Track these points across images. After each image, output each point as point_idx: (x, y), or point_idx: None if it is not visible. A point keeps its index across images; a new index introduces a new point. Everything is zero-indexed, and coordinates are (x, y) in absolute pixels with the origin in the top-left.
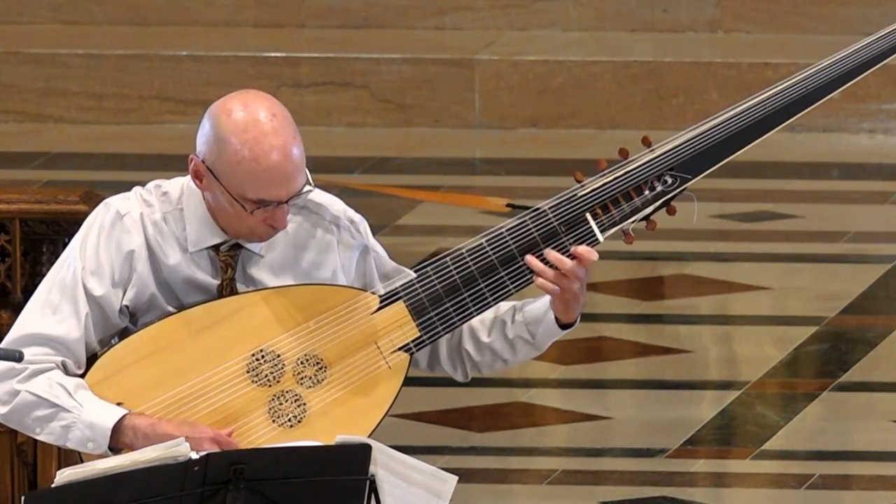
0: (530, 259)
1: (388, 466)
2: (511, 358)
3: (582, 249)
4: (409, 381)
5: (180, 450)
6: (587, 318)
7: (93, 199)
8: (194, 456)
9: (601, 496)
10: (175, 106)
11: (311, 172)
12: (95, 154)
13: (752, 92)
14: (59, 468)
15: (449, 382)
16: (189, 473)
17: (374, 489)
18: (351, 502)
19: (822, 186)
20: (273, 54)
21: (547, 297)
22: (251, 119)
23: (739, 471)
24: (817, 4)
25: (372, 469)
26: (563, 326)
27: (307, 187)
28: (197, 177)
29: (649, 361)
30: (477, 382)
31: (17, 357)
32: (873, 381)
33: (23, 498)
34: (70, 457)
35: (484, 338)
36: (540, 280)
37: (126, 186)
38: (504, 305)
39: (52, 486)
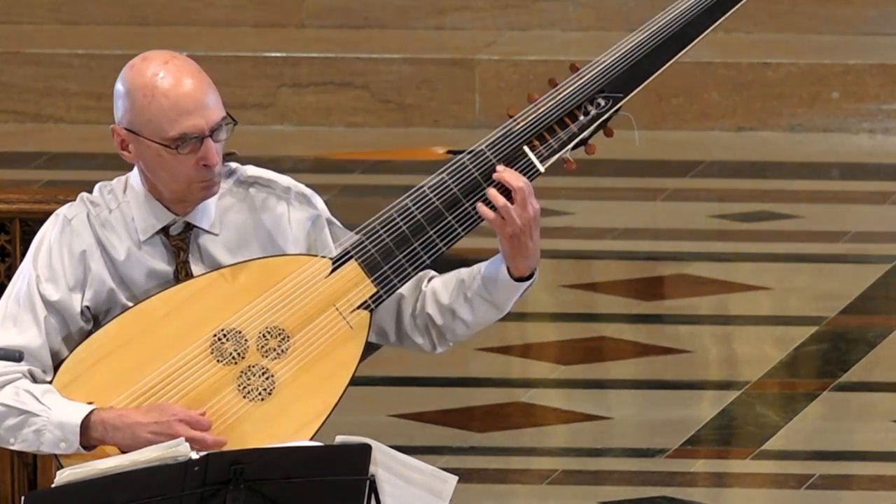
0: (480, 207)
1: (388, 466)
2: (471, 318)
3: (505, 174)
4: (409, 381)
5: (180, 450)
6: (587, 318)
7: None
8: (194, 456)
9: (601, 496)
10: None
11: (310, 172)
12: (95, 154)
13: (751, 92)
14: (59, 468)
15: (449, 382)
16: (189, 473)
17: (374, 489)
18: (351, 502)
19: (822, 186)
20: (273, 54)
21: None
22: (152, 63)
23: (739, 471)
24: (817, 4)
25: (372, 469)
26: (519, 281)
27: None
28: (123, 147)
29: (649, 361)
30: (477, 382)
31: (18, 357)
32: (873, 381)
33: (23, 498)
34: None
35: (445, 300)
36: (487, 216)
37: None
38: (467, 269)
39: (52, 486)
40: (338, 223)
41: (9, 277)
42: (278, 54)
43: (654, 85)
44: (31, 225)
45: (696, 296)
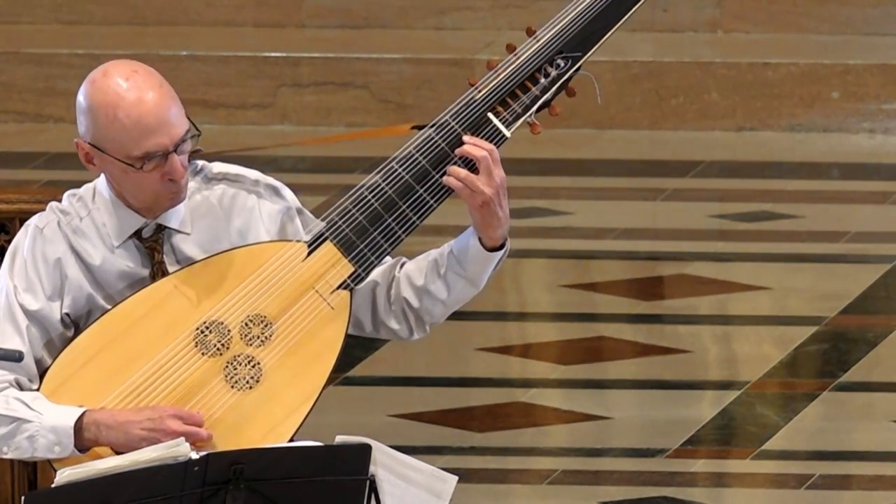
0: (448, 179)
1: (387, 466)
2: (447, 297)
3: (467, 147)
4: (408, 381)
5: (180, 450)
6: (587, 318)
7: None
8: (194, 456)
9: (601, 496)
10: None
11: (310, 172)
12: None
13: (751, 92)
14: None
15: (449, 382)
16: (189, 473)
17: (374, 489)
18: (351, 502)
19: (822, 186)
20: (273, 54)
21: (472, 228)
22: (112, 80)
23: (739, 471)
24: (817, 4)
25: (372, 469)
26: (491, 252)
27: (195, 143)
28: (88, 160)
29: (649, 361)
30: (477, 382)
31: (18, 357)
32: (873, 381)
33: (23, 498)
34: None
35: (419, 282)
36: (455, 186)
37: None
38: (437, 249)
39: (52, 486)
40: (307, 212)
41: None
42: (278, 54)
43: (654, 85)
44: None
45: (696, 296)
